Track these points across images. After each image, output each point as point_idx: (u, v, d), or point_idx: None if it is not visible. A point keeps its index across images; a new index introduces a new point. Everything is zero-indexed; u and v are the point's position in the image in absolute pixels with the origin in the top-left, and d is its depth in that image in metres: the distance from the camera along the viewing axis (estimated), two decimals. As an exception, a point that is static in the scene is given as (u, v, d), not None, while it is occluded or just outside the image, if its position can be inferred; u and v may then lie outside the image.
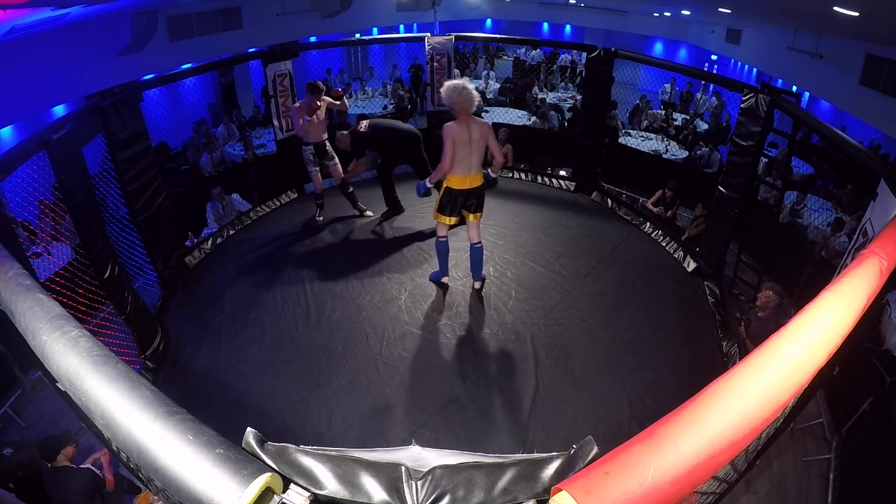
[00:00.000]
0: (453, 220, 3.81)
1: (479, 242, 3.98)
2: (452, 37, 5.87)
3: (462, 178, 3.65)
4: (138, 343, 3.48)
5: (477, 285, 4.15)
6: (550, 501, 0.83)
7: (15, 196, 3.24)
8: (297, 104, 4.84)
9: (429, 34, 5.96)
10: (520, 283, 4.28)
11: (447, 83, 3.53)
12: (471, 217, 3.84)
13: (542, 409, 3.19)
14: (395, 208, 5.34)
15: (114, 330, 3.43)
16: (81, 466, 2.95)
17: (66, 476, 2.88)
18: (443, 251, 4.08)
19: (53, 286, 3.11)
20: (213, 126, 8.19)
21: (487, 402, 3.23)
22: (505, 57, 14.52)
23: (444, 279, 4.21)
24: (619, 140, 7.38)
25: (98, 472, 2.97)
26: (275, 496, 0.85)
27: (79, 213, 3.12)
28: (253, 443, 0.97)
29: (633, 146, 7.17)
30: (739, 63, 13.73)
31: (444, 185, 3.72)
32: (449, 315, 3.91)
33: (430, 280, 4.27)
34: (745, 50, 12.38)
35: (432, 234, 4.93)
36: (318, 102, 4.72)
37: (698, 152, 7.17)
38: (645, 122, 8.74)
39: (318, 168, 5.02)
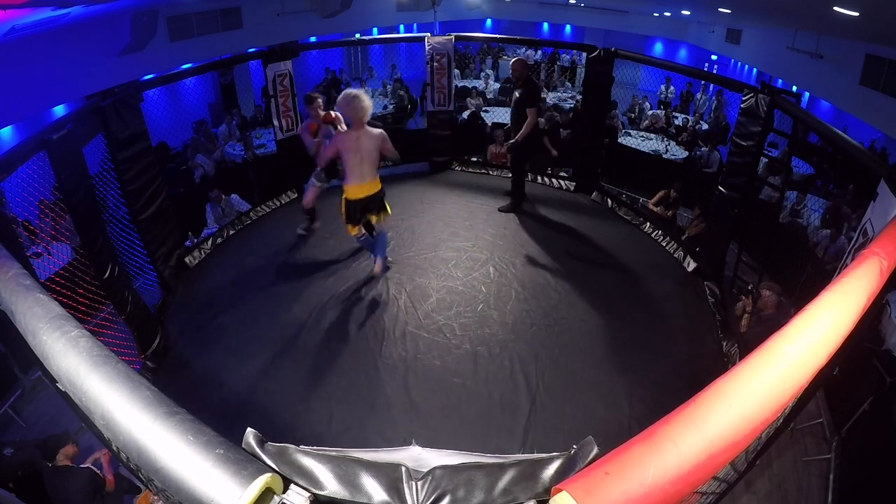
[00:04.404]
0: (357, 228, 3.92)
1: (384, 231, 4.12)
2: (452, 37, 5.87)
3: (358, 187, 3.72)
4: (138, 343, 3.48)
5: (377, 267, 4.10)
6: (551, 502, 0.83)
7: (15, 196, 3.24)
8: (306, 122, 4.54)
9: (429, 34, 5.96)
10: (520, 283, 4.28)
11: (343, 93, 3.59)
12: (373, 219, 3.94)
13: (542, 409, 3.19)
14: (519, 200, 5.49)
15: (114, 330, 3.43)
16: (82, 466, 2.96)
17: (66, 476, 2.88)
18: (366, 242, 4.13)
19: (53, 286, 3.11)
20: (214, 126, 8.18)
21: (487, 402, 3.23)
22: (505, 57, 14.53)
23: (383, 262, 4.16)
24: (619, 140, 7.38)
25: (98, 471, 2.98)
26: (275, 496, 0.85)
27: (79, 213, 3.12)
28: (253, 443, 0.97)
29: (633, 146, 7.17)
30: (739, 63, 13.73)
31: (343, 197, 3.79)
32: (449, 315, 3.91)
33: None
34: (745, 50, 12.39)
35: (432, 235, 4.96)
36: (320, 121, 4.41)
37: (698, 153, 7.18)
38: (645, 122, 8.74)
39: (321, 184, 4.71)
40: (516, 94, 4.98)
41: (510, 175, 5.56)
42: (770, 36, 10.85)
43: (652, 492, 0.82)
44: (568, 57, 13.43)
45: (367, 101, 3.55)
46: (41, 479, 2.90)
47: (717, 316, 4.13)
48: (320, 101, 4.50)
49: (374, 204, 3.87)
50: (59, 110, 7.07)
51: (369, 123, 3.67)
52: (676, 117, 9.62)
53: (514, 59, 5.03)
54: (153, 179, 4.12)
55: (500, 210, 5.41)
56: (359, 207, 3.81)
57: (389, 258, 4.40)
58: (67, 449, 2.96)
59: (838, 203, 5.26)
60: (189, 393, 3.32)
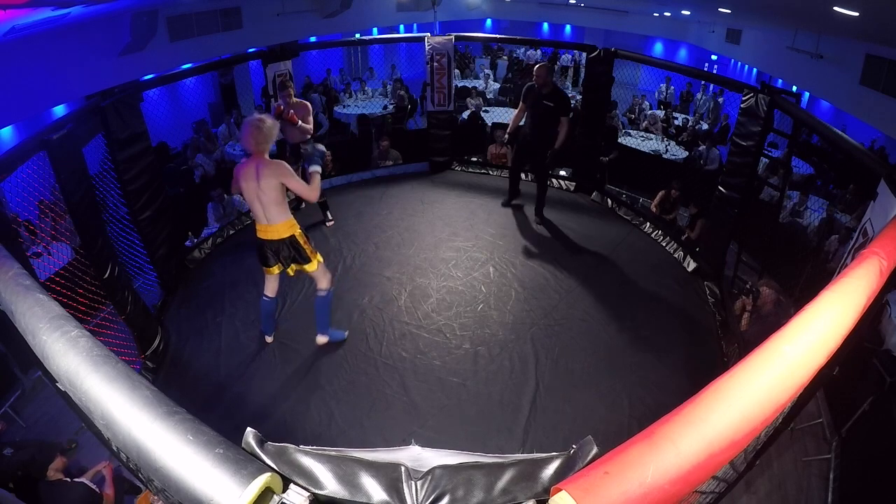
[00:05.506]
0: (274, 269, 3.32)
1: (323, 291, 3.40)
2: (452, 37, 5.87)
3: (261, 227, 3.16)
4: (138, 343, 3.48)
5: (320, 340, 3.58)
6: (550, 501, 0.82)
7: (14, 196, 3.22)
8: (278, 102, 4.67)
9: (429, 34, 5.96)
10: (520, 283, 4.28)
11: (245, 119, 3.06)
12: (290, 272, 3.33)
13: (542, 409, 3.19)
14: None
15: (114, 330, 3.43)
16: (76, 480, 2.92)
17: (60, 490, 2.84)
18: (265, 310, 3.53)
19: (53, 286, 3.11)
20: (214, 126, 8.18)
21: (487, 402, 3.23)
22: (506, 57, 14.58)
23: (268, 338, 3.68)
24: (619, 140, 7.38)
25: (94, 487, 2.94)
26: (275, 496, 0.85)
27: (79, 213, 3.12)
28: (253, 443, 0.97)
29: (634, 146, 7.17)
30: (739, 63, 13.73)
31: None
32: (449, 315, 3.91)
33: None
34: (745, 50, 12.38)
35: (432, 235, 4.96)
36: (288, 108, 4.46)
37: (697, 152, 7.18)
38: (644, 122, 8.75)
39: (295, 167, 4.73)
40: (545, 102, 4.64)
41: (511, 178, 5.49)
42: (770, 36, 10.84)
43: (651, 491, 0.82)
44: (569, 56, 13.43)
45: (267, 130, 2.93)
46: (39, 484, 2.88)
47: (717, 316, 4.12)
48: (292, 90, 4.59)
49: (286, 252, 3.21)
50: (59, 110, 7.06)
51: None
52: (676, 117, 9.63)
53: (537, 66, 4.69)
54: (153, 179, 4.12)
55: (536, 222, 5.21)
56: (266, 250, 3.23)
57: (339, 331, 3.68)
58: (56, 463, 2.93)
59: (830, 218, 5.26)
60: (189, 393, 3.32)
